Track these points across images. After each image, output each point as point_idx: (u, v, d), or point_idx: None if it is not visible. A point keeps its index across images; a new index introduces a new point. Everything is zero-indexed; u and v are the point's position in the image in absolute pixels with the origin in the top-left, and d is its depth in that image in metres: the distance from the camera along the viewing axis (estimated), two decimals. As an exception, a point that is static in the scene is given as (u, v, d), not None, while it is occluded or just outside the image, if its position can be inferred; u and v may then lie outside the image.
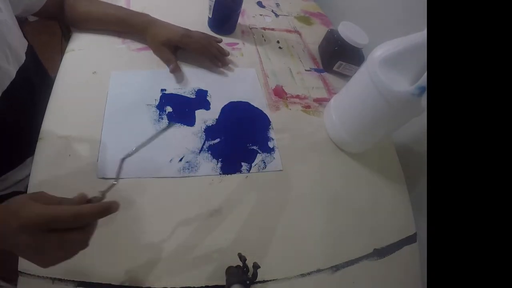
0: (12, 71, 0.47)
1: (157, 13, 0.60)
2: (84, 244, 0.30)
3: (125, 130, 0.46)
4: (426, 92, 0.35)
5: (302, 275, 0.39)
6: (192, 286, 0.36)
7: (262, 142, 0.49)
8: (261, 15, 0.72)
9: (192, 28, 0.63)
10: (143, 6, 0.65)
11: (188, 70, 0.56)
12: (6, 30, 0.45)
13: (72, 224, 0.28)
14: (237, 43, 0.63)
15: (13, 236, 0.27)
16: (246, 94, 0.54)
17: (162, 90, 0.52)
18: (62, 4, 0.55)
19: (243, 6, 0.62)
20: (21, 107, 0.50)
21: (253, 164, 0.46)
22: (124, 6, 0.65)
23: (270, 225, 0.42)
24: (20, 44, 0.49)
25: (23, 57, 0.50)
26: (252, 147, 0.48)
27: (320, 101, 0.57)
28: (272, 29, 0.69)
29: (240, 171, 0.45)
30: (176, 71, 0.54)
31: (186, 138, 0.47)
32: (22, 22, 0.53)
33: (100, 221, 0.30)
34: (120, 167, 0.35)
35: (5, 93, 0.46)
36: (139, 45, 0.58)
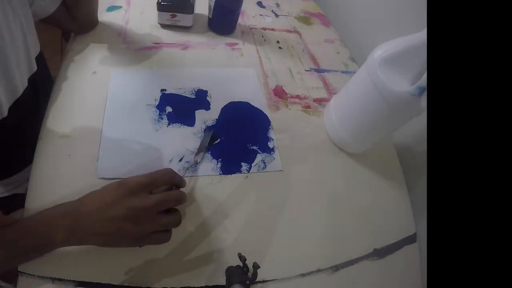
0: (25, 79, 0.47)
1: (156, 14, 0.60)
2: (177, 222, 0.34)
3: (125, 130, 0.46)
4: (426, 92, 0.35)
5: (302, 275, 0.39)
6: (192, 286, 0.36)
7: (262, 142, 0.49)
8: (261, 15, 0.73)
9: (192, 28, 0.64)
10: (142, 7, 0.66)
11: (188, 70, 0.56)
12: (23, 36, 0.44)
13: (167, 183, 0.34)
14: (237, 43, 0.63)
15: (116, 207, 0.31)
16: (246, 94, 0.54)
17: (162, 90, 0.52)
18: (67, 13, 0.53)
19: (243, 6, 0.62)
20: (27, 112, 0.50)
21: (253, 164, 0.46)
22: (124, 6, 0.66)
23: (270, 225, 0.42)
24: (34, 50, 0.48)
25: (35, 65, 0.49)
26: (252, 147, 0.48)
27: (320, 101, 0.57)
28: (272, 29, 0.69)
29: (240, 171, 0.45)
30: None
31: (186, 138, 0.47)
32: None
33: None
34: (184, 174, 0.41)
35: (16, 100, 0.46)
36: (139, 45, 0.58)
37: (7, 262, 0.32)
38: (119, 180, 0.33)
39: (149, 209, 0.32)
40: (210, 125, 0.49)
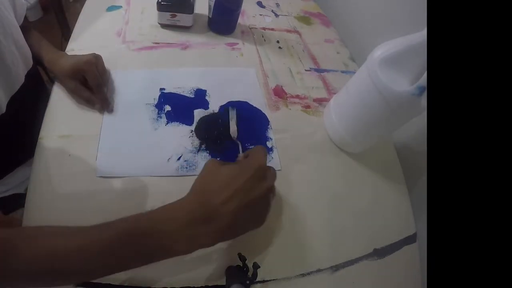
0: (22, 76, 0.47)
1: (156, 14, 0.60)
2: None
3: (124, 129, 0.46)
4: (426, 91, 0.35)
5: (302, 275, 0.39)
6: (192, 286, 0.36)
7: (261, 142, 0.49)
8: (261, 15, 0.72)
9: (192, 28, 0.64)
10: (142, 7, 0.66)
11: (187, 70, 0.56)
12: (17, 33, 0.45)
13: None
14: (237, 43, 0.63)
15: (257, 188, 0.31)
16: (245, 94, 0.54)
17: (161, 89, 0.52)
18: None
19: (243, 6, 0.62)
20: (25, 109, 0.50)
21: (252, 164, 0.46)
22: (124, 6, 0.66)
23: (270, 225, 0.42)
24: (27, 48, 0.49)
25: (31, 61, 0.49)
26: (250, 147, 0.48)
27: (320, 101, 0.57)
28: (272, 29, 0.69)
29: (240, 171, 0.45)
30: (105, 108, 0.47)
31: (185, 137, 0.47)
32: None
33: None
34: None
35: (13, 96, 0.46)
36: (139, 45, 0.58)
37: (109, 270, 0.29)
38: (235, 164, 0.33)
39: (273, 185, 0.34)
40: (225, 103, 0.51)
